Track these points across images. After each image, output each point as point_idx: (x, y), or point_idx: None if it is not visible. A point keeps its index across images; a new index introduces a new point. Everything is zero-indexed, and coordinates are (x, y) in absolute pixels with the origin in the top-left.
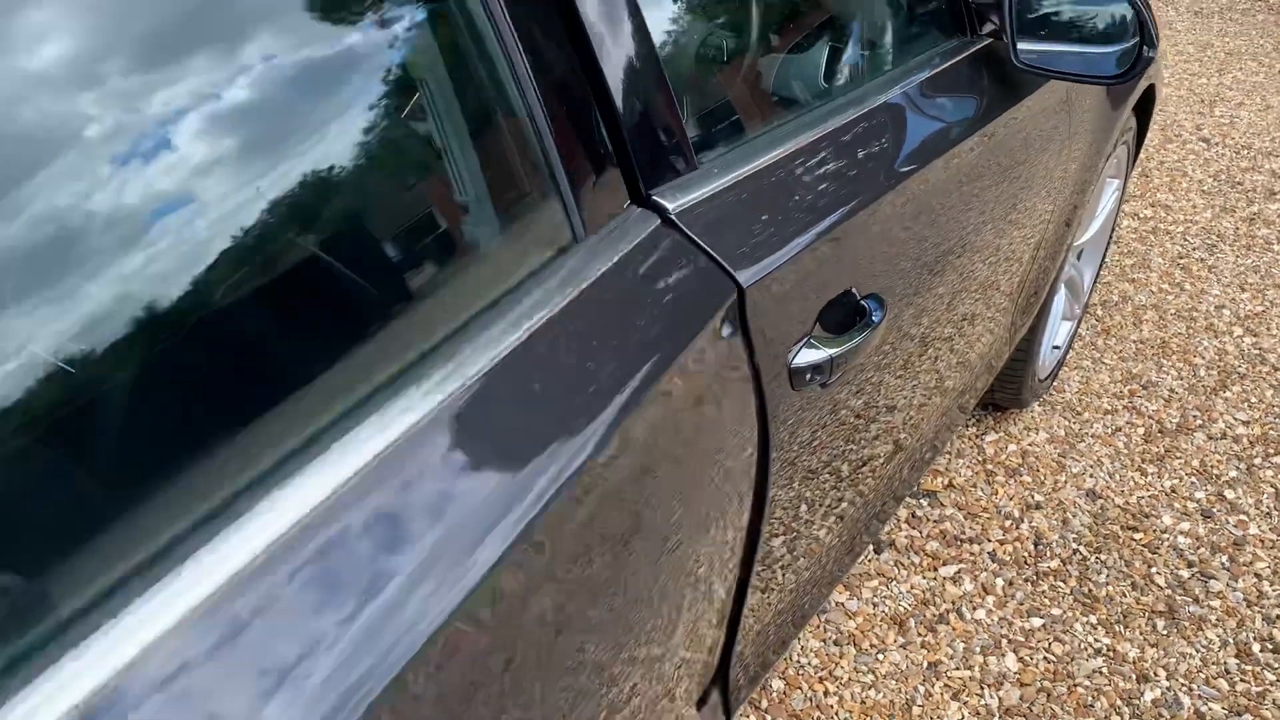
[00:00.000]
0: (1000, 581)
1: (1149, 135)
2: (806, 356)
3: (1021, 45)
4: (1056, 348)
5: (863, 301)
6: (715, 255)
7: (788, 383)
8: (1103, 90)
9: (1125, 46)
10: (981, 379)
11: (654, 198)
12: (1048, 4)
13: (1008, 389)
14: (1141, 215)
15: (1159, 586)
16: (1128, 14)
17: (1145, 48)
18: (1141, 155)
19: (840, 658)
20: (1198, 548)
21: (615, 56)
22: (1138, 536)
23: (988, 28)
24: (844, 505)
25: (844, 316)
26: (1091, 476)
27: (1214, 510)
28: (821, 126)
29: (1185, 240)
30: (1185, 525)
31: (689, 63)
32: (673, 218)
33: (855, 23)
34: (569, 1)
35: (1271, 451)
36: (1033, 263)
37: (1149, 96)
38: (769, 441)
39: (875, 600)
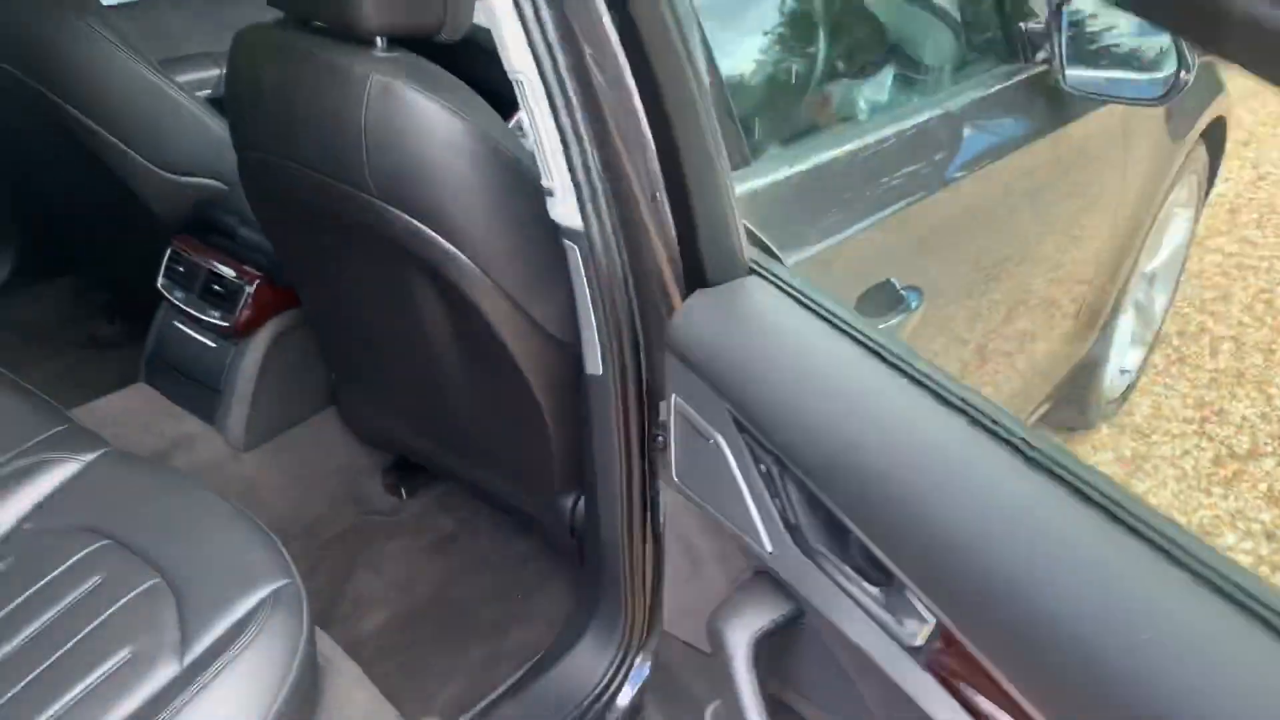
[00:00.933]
0: None
1: (1241, 173)
2: None
3: (1070, 71)
4: (1125, 371)
5: (902, 291)
6: (763, 239)
7: None
8: (1161, 120)
9: (1167, 73)
10: (1037, 389)
11: None
12: (1095, 34)
13: (1072, 408)
14: (1226, 251)
15: None
16: (1166, 43)
17: (1183, 72)
18: (1230, 192)
19: None
20: (1258, 565)
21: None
22: None
23: (1041, 55)
24: None
25: (885, 303)
26: (1156, 495)
27: (1278, 532)
28: (870, 136)
29: (1270, 275)
30: (1248, 545)
31: (756, 81)
32: None
33: (916, 49)
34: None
35: None
36: (1091, 282)
37: (1221, 130)
38: None
39: None
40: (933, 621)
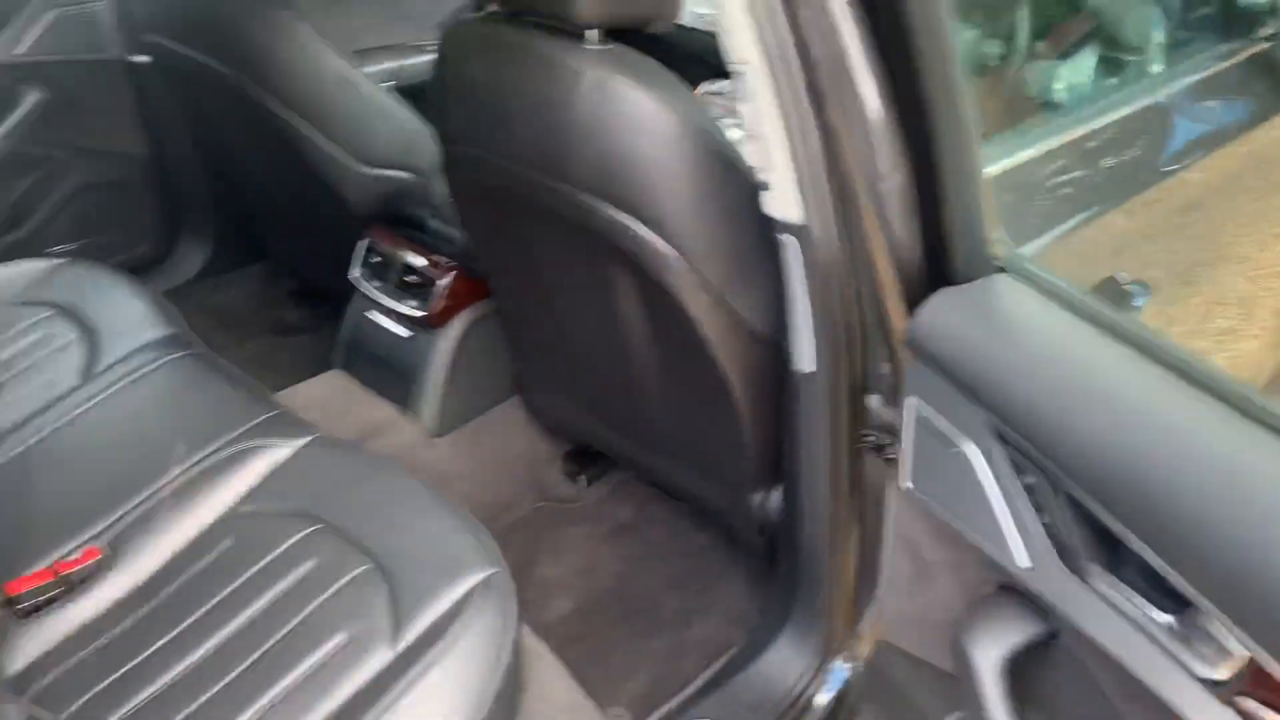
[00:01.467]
0: None
1: None
2: None
3: None
4: None
5: (1129, 286)
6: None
7: None
8: None
9: None
10: None
11: None
12: None
13: None
14: None
15: None
16: None
17: None
18: None
19: None
20: None
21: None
22: None
23: (1265, 30)
24: None
25: (1110, 301)
26: None
27: None
28: (1087, 126)
29: None
30: None
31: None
32: None
33: (1125, 28)
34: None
35: None
36: None
37: None
38: None
39: None
40: (1244, 655)
